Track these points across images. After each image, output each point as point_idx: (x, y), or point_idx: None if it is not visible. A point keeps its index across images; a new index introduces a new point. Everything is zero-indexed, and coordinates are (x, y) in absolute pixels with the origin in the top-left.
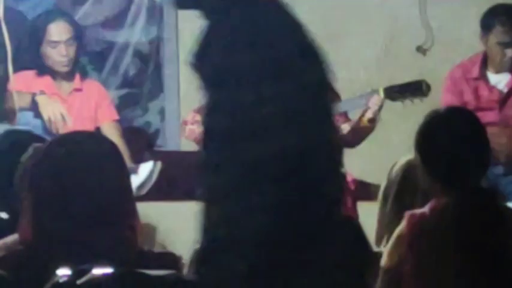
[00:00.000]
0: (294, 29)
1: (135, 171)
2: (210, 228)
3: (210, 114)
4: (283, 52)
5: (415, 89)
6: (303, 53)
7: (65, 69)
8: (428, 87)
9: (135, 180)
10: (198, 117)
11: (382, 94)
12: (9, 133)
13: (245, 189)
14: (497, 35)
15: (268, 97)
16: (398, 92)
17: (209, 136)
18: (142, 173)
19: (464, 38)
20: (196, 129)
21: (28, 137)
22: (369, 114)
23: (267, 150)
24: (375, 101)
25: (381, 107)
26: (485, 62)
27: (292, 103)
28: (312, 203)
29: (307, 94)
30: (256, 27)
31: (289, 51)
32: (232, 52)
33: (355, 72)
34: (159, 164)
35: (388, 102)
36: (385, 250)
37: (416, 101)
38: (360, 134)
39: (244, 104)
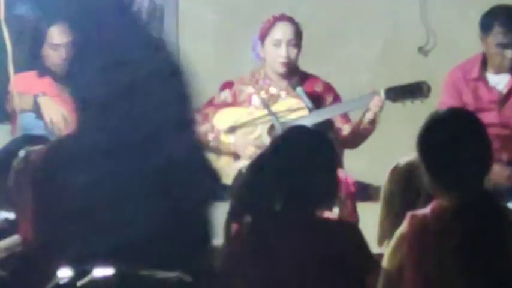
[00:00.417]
0: (156, 45)
1: None
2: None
3: (80, 132)
4: (147, 69)
5: (416, 90)
6: (164, 69)
7: (64, 72)
8: (429, 88)
9: None
10: (198, 117)
11: (382, 95)
12: (24, 138)
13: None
14: (496, 36)
15: (132, 114)
16: (399, 93)
17: (81, 154)
18: None
19: (466, 39)
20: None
21: (42, 142)
22: (369, 116)
23: (131, 166)
24: (375, 103)
25: (381, 109)
26: (484, 62)
27: (156, 118)
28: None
29: (170, 108)
30: (120, 45)
31: (152, 68)
32: (99, 70)
33: (356, 74)
34: None
35: (388, 103)
36: (386, 251)
37: (417, 102)
38: (360, 135)
39: (109, 122)
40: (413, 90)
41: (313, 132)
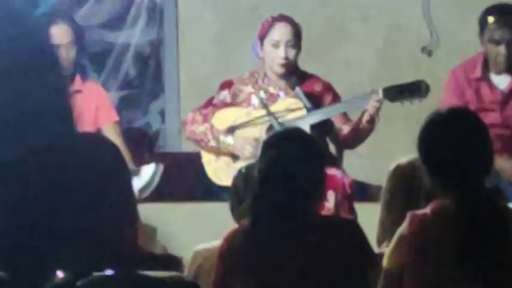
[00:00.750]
0: (30, 33)
1: (137, 174)
2: None
3: None
4: (20, 56)
5: (414, 89)
6: (38, 58)
7: (64, 72)
8: (428, 87)
9: (137, 183)
10: (198, 117)
11: (381, 95)
12: None
13: None
14: (490, 32)
15: (7, 99)
16: (397, 93)
17: None
18: (145, 176)
19: (467, 39)
20: (195, 129)
21: None
22: (367, 116)
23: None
24: (373, 103)
25: (379, 108)
26: (486, 62)
27: (30, 105)
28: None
29: (45, 96)
30: None
31: (25, 55)
32: None
33: (357, 73)
34: (161, 167)
35: (388, 103)
36: (386, 250)
37: (418, 101)
38: (359, 135)
39: None
40: (412, 90)
41: (299, 134)
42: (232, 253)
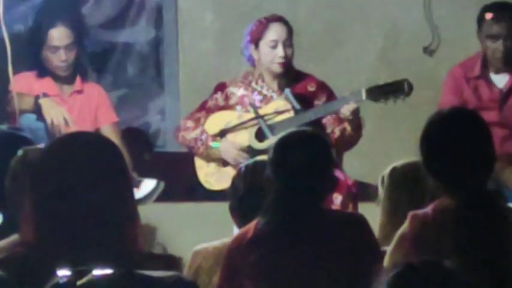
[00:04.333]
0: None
1: (137, 186)
2: None
3: None
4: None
5: (397, 89)
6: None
7: (64, 73)
8: (411, 86)
9: (135, 195)
10: (189, 124)
11: (363, 95)
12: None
13: None
14: (487, 28)
15: None
16: (380, 93)
17: None
18: (144, 190)
19: (467, 38)
20: (186, 136)
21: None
22: (348, 124)
23: None
24: (348, 109)
25: (354, 114)
26: (485, 61)
27: None
28: None
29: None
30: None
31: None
32: None
33: (357, 73)
34: (162, 185)
35: (389, 104)
36: (387, 250)
37: (422, 101)
38: (345, 140)
39: None
40: (395, 89)
41: (309, 134)
42: (240, 253)
